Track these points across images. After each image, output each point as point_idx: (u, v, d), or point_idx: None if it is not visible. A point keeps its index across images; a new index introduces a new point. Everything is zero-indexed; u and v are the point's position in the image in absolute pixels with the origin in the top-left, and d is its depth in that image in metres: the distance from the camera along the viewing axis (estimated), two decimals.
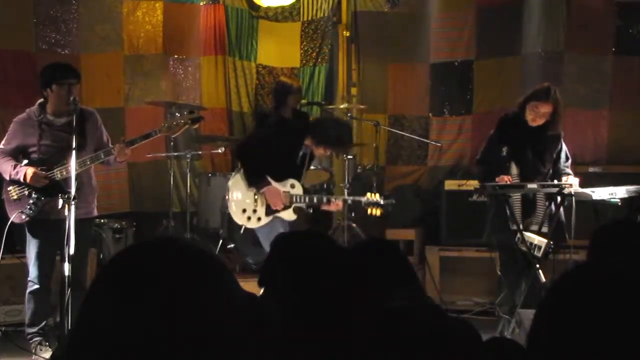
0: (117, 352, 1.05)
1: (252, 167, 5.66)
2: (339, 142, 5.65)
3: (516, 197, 5.33)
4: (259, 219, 5.64)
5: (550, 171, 5.39)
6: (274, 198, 5.57)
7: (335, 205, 5.73)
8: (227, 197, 5.71)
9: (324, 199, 5.69)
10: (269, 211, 5.63)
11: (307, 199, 5.64)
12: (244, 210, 5.63)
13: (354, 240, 6.31)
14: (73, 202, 4.50)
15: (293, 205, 5.67)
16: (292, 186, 5.67)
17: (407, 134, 7.51)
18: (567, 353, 1.20)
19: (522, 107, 5.30)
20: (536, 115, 5.25)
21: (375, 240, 3.10)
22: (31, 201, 4.91)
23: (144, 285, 1.08)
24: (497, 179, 5.20)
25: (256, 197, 5.60)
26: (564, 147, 5.45)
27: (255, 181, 5.61)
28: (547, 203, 5.34)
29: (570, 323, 1.21)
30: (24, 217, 4.91)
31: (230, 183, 5.71)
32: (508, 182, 5.21)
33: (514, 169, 5.37)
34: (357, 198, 5.82)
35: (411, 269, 2.71)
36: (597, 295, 1.23)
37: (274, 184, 5.61)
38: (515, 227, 5.20)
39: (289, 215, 5.68)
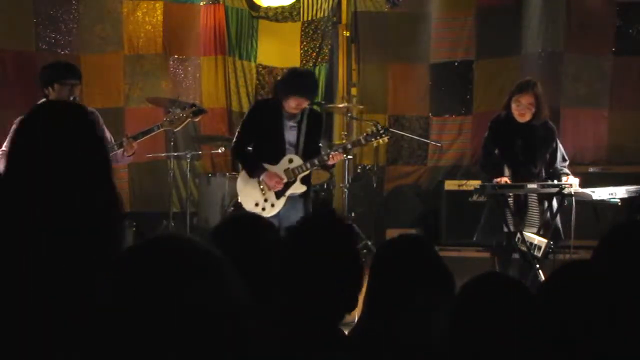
0: (121, 351, 1.06)
1: (245, 160, 5.70)
2: (302, 88, 5.50)
3: (508, 198, 5.33)
4: (273, 205, 5.62)
5: (543, 172, 5.37)
6: (271, 181, 5.54)
7: (336, 157, 5.65)
8: (239, 199, 5.70)
9: (325, 157, 5.62)
10: (279, 194, 5.62)
11: (308, 165, 5.60)
12: (257, 204, 5.61)
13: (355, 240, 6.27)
14: None
15: (299, 178, 5.61)
16: (291, 161, 5.61)
17: (407, 134, 7.51)
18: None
19: (508, 105, 5.32)
20: (521, 109, 5.25)
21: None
22: None
23: (147, 284, 1.09)
24: (494, 181, 5.21)
25: (261, 186, 5.60)
26: (560, 148, 5.42)
27: (253, 171, 5.60)
28: (539, 205, 5.33)
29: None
30: None
31: (237, 185, 5.72)
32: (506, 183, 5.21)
33: (506, 171, 5.37)
34: (355, 140, 5.82)
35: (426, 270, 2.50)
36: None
37: (272, 167, 5.59)
38: (509, 229, 5.20)
39: (297, 188, 5.64)
